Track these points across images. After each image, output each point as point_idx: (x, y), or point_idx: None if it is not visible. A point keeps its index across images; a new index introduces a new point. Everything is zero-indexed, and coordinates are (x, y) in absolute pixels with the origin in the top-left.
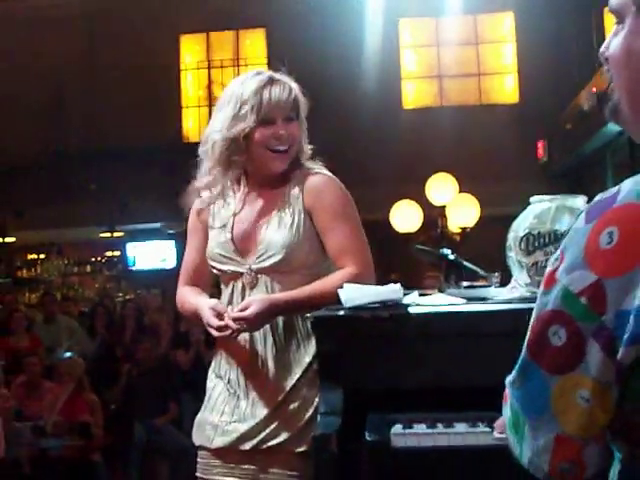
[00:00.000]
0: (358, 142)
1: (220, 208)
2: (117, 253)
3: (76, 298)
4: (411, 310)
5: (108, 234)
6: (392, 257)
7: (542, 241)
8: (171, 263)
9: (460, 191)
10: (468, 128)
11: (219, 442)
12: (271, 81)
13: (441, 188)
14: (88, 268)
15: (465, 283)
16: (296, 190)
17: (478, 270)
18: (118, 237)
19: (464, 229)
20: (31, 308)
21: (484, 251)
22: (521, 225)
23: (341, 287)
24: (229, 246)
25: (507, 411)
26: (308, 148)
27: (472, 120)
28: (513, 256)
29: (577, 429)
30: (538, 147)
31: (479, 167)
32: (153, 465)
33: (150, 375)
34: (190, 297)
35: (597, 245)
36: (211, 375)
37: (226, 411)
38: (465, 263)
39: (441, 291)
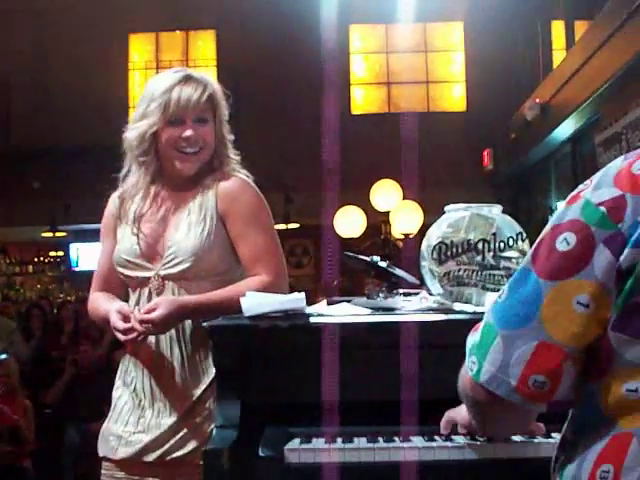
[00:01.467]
0: (306, 147)
1: (130, 209)
2: (60, 253)
3: (17, 298)
4: (312, 320)
5: (50, 234)
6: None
7: (455, 250)
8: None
9: (405, 198)
10: (415, 135)
11: (122, 453)
12: (184, 80)
13: (385, 195)
14: (30, 268)
15: (401, 291)
16: (209, 194)
17: (408, 278)
18: (61, 237)
19: (407, 236)
20: None
21: None
22: (434, 234)
23: (244, 296)
24: (136, 251)
25: (474, 336)
26: (231, 152)
27: (420, 127)
28: (426, 265)
29: (568, 336)
30: (484, 155)
31: (425, 174)
32: (88, 470)
33: (87, 378)
34: (100, 303)
35: (629, 170)
36: (117, 382)
37: (131, 421)
38: (396, 271)
39: (371, 298)
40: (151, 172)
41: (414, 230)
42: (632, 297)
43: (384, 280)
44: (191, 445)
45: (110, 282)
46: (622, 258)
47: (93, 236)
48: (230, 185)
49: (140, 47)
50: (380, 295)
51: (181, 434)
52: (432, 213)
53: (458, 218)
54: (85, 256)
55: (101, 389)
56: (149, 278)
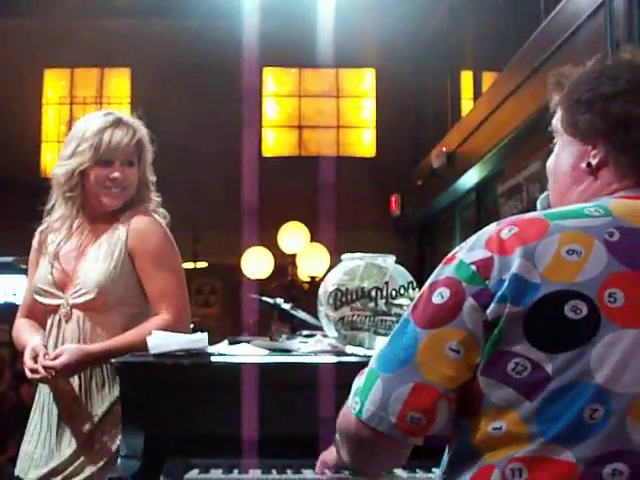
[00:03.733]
0: (216, 187)
1: (51, 242)
2: None
3: None
4: (212, 359)
5: None
6: (242, 303)
7: (350, 297)
8: (22, 298)
9: (312, 240)
10: (325, 178)
11: (32, 475)
12: (116, 124)
13: (293, 237)
14: None
15: (305, 332)
16: (121, 229)
17: (309, 320)
18: None
19: (313, 278)
20: None
21: None
22: (331, 280)
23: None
24: (49, 280)
25: (358, 381)
26: (152, 193)
27: (330, 171)
28: (322, 310)
29: (440, 378)
30: (391, 201)
31: (333, 217)
32: None
33: None
34: (23, 332)
35: (499, 235)
36: (34, 405)
37: (39, 444)
38: (299, 313)
39: (275, 340)
40: (76, 207)
41: (320, 273)
42: (497, 346)
43: (288, 321)
44: (88, 471)
45: (32, 310)
46: (489, 311)
47: (0, 269)
48: (141, 223)
49: (54, 82)
50: (283, 336)
51: (80, 460)
52: (339, 256)
53: (354, 266)
54: None
55: (1, 423)
56: (59, 306)
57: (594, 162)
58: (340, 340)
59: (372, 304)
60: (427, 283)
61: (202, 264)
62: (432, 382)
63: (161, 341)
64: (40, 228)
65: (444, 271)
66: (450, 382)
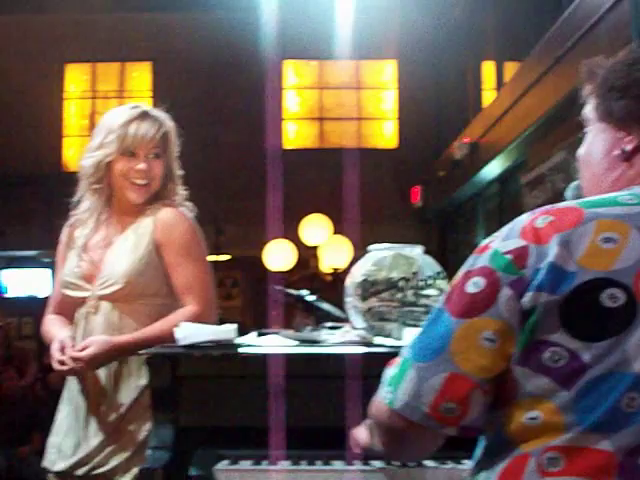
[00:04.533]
0: (236, 180)
1: (79, 234)
2: None
3: None
4: (241, 350)
5: None
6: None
7: (378, 288)
8: (45, 292)
9: (335, 233)
10: (346, 170)
11: (60, 466)
12: (142, 116)
13: (315, 229)
14: None
15: (329, 324)
16: (148, 221)
17: (334, 312)
18: None
19: (336, 270)
20: None
21: None
22: (359, 271)
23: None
24: (77, 273)
25: (389, 371)
26: (179, 187)
27: (351, 163)
28: (350, 301)
29: (475, 368)
30: (413, 192)
31: (355, 209)
32: None
33: (13, 405)
34: (50, 327)
35: (533, 225)
36: (62, 396)
37: (68, 435)
38: (323, 305)
39: (298, 331)
40: (103, 199)
41: (343, 265)
42: (533, 335)
43: (312, 313)
44: (115, 461)
45: (62, 305)
46: (524, 300)
47: (24, 263)
48: (168, 215)
49: (76, 77)
50: (307, 328)
51: (106, 451)
52: (362, 248)
53: (381, 257)
54: (15, 283)
55: (27, 415)
56: (87, 298)
57: (628, 148)
58: (368, 331)
59: (400, 295)
60: (460, 273)
61: (224, 257)
62: (467, 372)
63: (190, 332)
64: (68, 222)
65: (478, 261)
66: (485, 372)
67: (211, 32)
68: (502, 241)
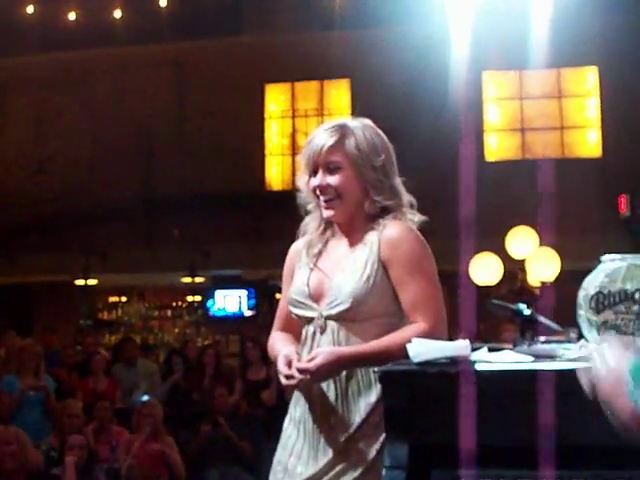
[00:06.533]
0: (439, 194)
1: (305, 254)
2: (197, 298)
3: (156, 342)
4: (478, 367)
5: (189, 279)
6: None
7: (612, 300)
8: (250, 310)
9: (540, 245)
10: (550, 181)
11: None
12: (322, 130)
13: (521, 241)
14: (169, 312)
15: (542, 338)
16: (374, 239)
17: (553, 325)
18: (198, 283)
19: (544, 283)
20: (110, 350)
21: (563, 306)
22: (592, 283)
23: (410, 342)
24: (304, 291)
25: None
26: (402, 199)
27: (555, 174)
28: (583, 314)
29: None
30: (620, 202)
31: (560, 221)
32: None
33: (225, 421)
34: (275, 343)
35: None
36: (288, 416)
37: (294, 454)
38: (541, 318)
39: (515, 346)
40: (322, 219)
41: (551, 277)
42: None
43: (527, 328)
44: None
45: (288, 323)
46: None
47: (229, 282)
48: (393, 232)
49: (276, 97)
50: (525, 342)
51: (334, 472)
52: (567, 260)
53: (615, 268)
54: (221, 302)
55: (238, 433)
56: (314, 318)
57: None
58: None
59: (636, 307)
60: None
61: None
62: None
63: (423, 349)
64: (297, 242)
65: None
66: None
67: (406, 47)
68: None
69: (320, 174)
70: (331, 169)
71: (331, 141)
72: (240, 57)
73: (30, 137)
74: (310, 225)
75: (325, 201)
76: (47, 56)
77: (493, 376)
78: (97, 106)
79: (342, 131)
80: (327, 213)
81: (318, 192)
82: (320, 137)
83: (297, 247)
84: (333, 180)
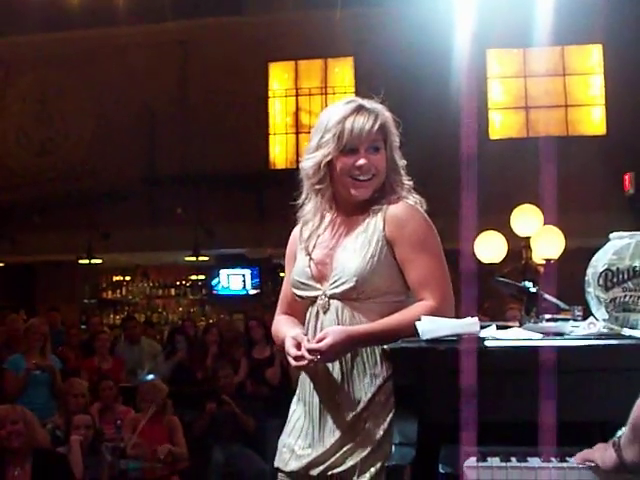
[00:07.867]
0: (443, 172)
1: (308, 234)
2: (201, 277)
3: (159, 321)
4: (487, 344)
5: (193, 258)
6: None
7: (621, 277)
8: (254, 289)
9: (545, 223)
10: (554, 159)
11: (293, 466)
12: (357, 110)
13: (526, 219)
14: (172, 291)
15: (547, 316)
16: (378, 218)
17: (559, 303)
18: (202, 261)
19: (548, 261)
20: (115, 330)
21: (567, 284)
22: (600, 261)
23: (419, 320)
24: (307, 272)
25: None
26: (403, 178)
27: (559, 151)
28: (592, 291)
29: None
30: (625, 179)
31: (564, 199)
32: None
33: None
34: (281, 327)
35: None
36: (295, 397)
37: (302, 435)
38: (546, 296)
39: (521, 324)
40: (326, 199)
41: (555, 255)
42: None
43: (531, 305)
44: (350, 462)
45: (292, 305)
46: None
47: (233, 260)
48: (398, 211)
49: (279, 75)
50: (531, 320)
51: (341, 452)
52: (572, 238)
53: (623, 245)
54: (225, 280)
55: (243, 412)
56: (317, 297)
57: None
58: (612, 322)
59: None
60: None
61: None
62: None
63: (432, 326)
64: (296, 227)
65: None
66: None
67: (409, 24)
68: None
69: (363, 154)
70: (375, 148)
71: (373, 124)
72: (243, 36)
73: (33, 117)
74: (308, 206)
75: (363, 180)
76: (50, 36)
77: (505, 353)
78: (100, 86)
79: (376, 113)
80: (360, 192)
81: (357, 172)
82: (359, 119)
83: (296, 230)
84: (375, 160)
